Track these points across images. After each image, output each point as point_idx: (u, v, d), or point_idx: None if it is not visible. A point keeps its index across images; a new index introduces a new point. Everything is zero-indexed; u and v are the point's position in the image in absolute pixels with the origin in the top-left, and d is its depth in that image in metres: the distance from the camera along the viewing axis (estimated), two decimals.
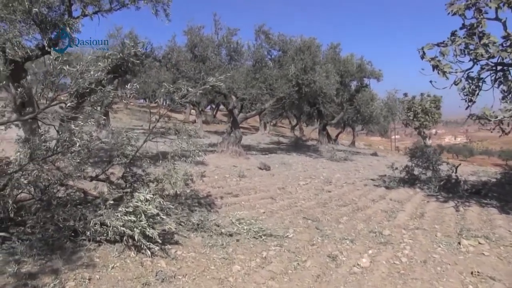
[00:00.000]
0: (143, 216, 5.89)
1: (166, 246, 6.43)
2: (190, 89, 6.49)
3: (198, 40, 16.33)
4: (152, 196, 6.11)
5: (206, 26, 16.86)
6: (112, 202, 6.25)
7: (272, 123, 46.98)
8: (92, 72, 5.28)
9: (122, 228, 5.77)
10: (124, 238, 6.17)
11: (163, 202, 6.30)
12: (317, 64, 18.35)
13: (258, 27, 18.29)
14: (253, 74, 18.15)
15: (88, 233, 6.06)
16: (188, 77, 15.20)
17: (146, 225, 5.91)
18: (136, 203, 5.98)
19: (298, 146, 28.42)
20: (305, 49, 18.19)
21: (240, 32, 17.18)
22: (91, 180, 7.70)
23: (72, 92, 5.30)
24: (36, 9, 7.81)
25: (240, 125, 18.62)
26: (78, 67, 5.27)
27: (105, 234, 6.17)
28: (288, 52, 18.41)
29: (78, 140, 5.37)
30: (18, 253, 5.59)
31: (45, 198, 6.52)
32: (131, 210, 5.91)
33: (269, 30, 18.43)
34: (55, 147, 5.78)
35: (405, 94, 32.99)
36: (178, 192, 7.27)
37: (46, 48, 8.75)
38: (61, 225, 5.99)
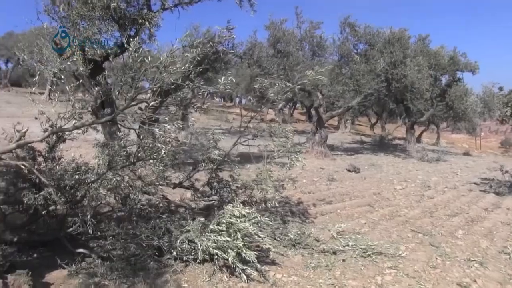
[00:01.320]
0: (238, 235, 4.96)
1: (263, 267, 5.43)
2: (287, 83, 5.50)
3: (281, 34, 15.33)
4: (248, 211, 5.17)
5: (288, 20, 15.82)
6: (203, 219, 5.37)
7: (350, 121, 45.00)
8: (178, 65, 4.43)
9: (215, 251, 4.87)
10: (215, 257, 5.31)
11: (260, 217, 5.33)
12: (407, 57, 16.70)
13: (343, 19, 17.03)
14: (339, 70, 16.90)
15: (175, 252, 5.25)
16: (270, 73, 14.22)
17: (241, 246, 4.98)
18: (230, 219, 5.08)
19: (383, 145, 26.61)
20: (394, 42, 16.63)
21: (323, 25, 16.05)
22: (174, 187, 6.95)
23: (155, 89, 4.48)
24: (115, 4, 7.18)
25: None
26: (161, 58, 4.43)
27: (192, 253, 5.34)
28: (376, 45, 16.93)
29: (163, 146, 4.53)
30: (98, 275, 4.89)
31: (126, 209, 5.81)
32: (224, 228, 5.01)
33: (355, 22, 17.08)
34: (136, 154, 5.01)
35: (500, 88, 30.09)
36: (272, 202, 6.28)
37: (125, 46, 8.14)
38: (144, 244, 5.21)
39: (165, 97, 4.82)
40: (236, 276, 5.17)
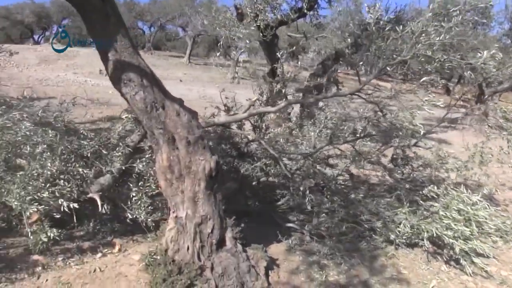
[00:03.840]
0: (472, 223, 4.50)
1: (477, 260, 4.87)
2: None
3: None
4: (479, 198, 4.68)
5: None
6: (437, 204, 4.90)
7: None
8: (432, 36, 3.94)
9: (450, 240, 4.43)
10: (424, 243, 4.93)
11: (489, 206, 4.81)
12: None
13: None
14: (508, 40, 15.08)
15: (393, 235, 4.91)
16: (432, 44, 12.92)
17: (470, 235, 4.52)
18: (459, 205, 4.63)
19: None
20: None
21: None
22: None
23: (400, 60, 4.04)
24: None
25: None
26: (411, 27, 3.97)
27: (404, 237, 4.96)
28: None
29: (407, 124, 4.13)
30: (315, 253, 4.72)
31: (329, 186, 5.55)
32: (456, 215, 4.57)
33: None
34: (361, 130, 4.69)
35: None
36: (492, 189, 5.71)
37: (303, 10, 7.78)
38: (365, 225, 4.93)
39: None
40: (453, 266, 4.77)
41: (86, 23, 3.52)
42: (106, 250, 4.33)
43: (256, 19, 7.28)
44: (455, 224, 4.44)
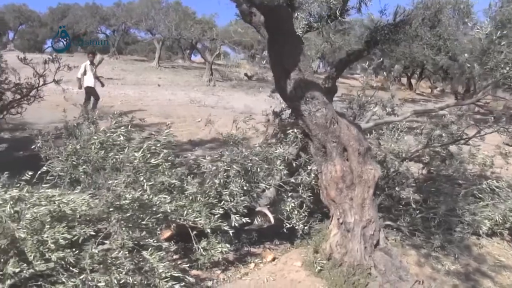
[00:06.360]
0: None
1: None
2: None
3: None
4: None
5: None
6: None
7: None
8: None
9: None
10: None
11: None
12: None
13: None
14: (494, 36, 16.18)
15: (484, 228, 5.44)
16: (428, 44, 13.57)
17: None
18: None
19: None
20: None
21: None
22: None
23: None
24: None
25: None
26: None
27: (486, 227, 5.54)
28: None
29: None
30: (422, 246, 5.17)
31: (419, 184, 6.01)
32: None
33: None
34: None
35: None
36: None
37: (335, 16, 8.14)
38: (455, 218, 5.42)
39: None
40: None
41: (276, 42, 3.70)
42: (257, 260, 4.48)
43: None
44: None
